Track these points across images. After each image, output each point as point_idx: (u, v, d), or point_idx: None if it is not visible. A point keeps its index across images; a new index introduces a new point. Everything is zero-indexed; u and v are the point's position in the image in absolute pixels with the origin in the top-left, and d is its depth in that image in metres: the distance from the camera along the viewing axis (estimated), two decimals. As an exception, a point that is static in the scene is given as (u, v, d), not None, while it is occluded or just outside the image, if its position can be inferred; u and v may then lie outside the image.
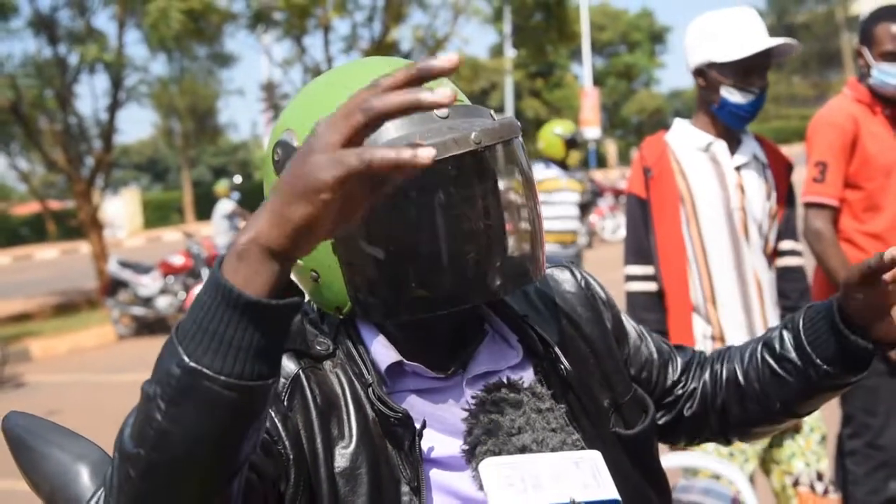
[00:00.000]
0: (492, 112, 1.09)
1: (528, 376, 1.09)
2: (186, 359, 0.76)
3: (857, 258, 2.87)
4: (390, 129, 1.00)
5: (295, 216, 0.75)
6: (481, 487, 0.86)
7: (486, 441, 0.90)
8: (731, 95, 2.43)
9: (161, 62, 34.14)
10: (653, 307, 2.53)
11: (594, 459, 0.89)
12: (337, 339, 1.08)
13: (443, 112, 1.01)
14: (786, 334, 1.22)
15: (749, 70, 2.40)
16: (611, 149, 36.31)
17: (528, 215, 1.06)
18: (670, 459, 2.22)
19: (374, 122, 0.74)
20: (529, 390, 0.94)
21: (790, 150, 4.02)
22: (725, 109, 2.46)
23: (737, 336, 2.49)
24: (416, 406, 1.06)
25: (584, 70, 31.50)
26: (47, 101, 12.90)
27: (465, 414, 1.04)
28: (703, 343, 2.50)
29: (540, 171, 5.97)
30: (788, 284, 2.60)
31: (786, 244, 2.61)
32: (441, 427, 1.06)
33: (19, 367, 9.18)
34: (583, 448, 0.90)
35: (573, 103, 36.87)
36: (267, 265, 0.77)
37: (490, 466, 0.86)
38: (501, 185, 1.05)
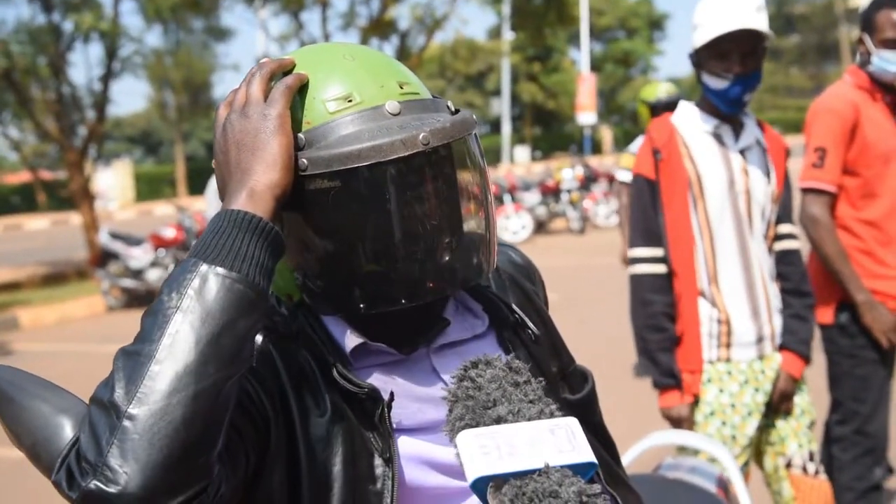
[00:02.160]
0: (448, 104, 1.09)
1: (495, 349, 1.13)
2: (203, 262, 0.90)
3: (853, 245, 2.88)
4: (340, 127, 1.01)
5: (279, 148, 0.97)
6: (460, 461, 0.86)
7: (463, 416, 0.90)
8: (710, 80, 2.46)
9: (156, 34, 33.95)
10: (660, 289, 2.51)
11: (570, 426, 0.89)
12: (297, 322, 1.09)
13: (394, 108, 1.02)
14: None
15: (723, 55, 2.41)
16: (606, 135, 36.26)
17: (481, 208, 1.08)
18: (657, 437, 2.22)
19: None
20: (506, 364, 0.94)
21: (787, 142, 4.02)
22: (710, 94, 2.48)
23: (741, 320, 2.49)
24: (383, 380, 1.07)
25: (581, 55, 31.41)
26: (40, 68, 12.79)
27: (434, 383, 1.07)
28: (709, 325, 2.49)
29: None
30: (788, 267, 2.60)
31: (784, 227, 2.62)
32: (409, 398, 1.07)
33: (7, 335, 9.16)
34: (560, 416, 0.90)
35: (570, 88, 36.80)
36: (272, 202, 0.96)
37: (467, 437, 0.87)
38: (452, 182, 1.05)
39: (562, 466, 0.84)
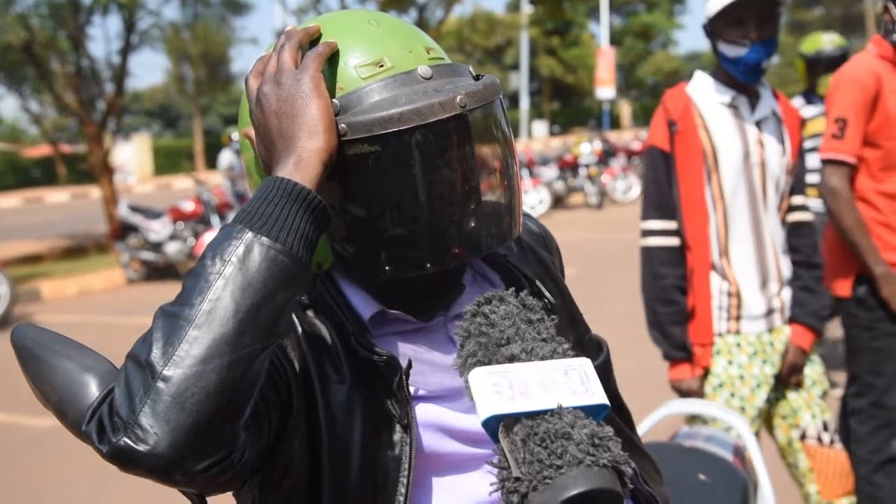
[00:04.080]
0: (470, 69, 1.10)
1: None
2: (248, 230, 0.90)
3: (872, 218, 2.85)
4: (374, 92, 1.01)
5: (318, 111, 0.96)
6: (472, 398, 0.86)
7: (476, 353, 0.90)
8: (726, 49, 2.43)
9: (174, 7, 33.88)
10: (673, 262, 2.51)
11: (583, 366, 0.89)
12: (316, 290, 1.09)
13: (426, 73, 1.03)
14: None
15: (739, 21, 2.38)
16: (625, 110, 35.99)
17: (508, 174, 1.08)
18: (673, 406, 2.23)
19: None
20: (520, 301, 0.94)
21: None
22: (727, 63, 2.45)
23: (751, 292, 2.49)
24: (401, 348, 1.08)
25: (601, 29, 31.11)
26: (60, 42, 12.82)
27: (451, 351, 1.06)
28: (720, 299, 2.49)
29: (801, 108, 4.68)
30: (800, 240, 2.60)
31: (797, 199, 2.61)
32: (427, 365, 1.08)
33: (29, 306, 9.27)
34: (574, 357, 0.90)
35: (589, 62, 36.46)
36: (320, 168, 0.96)
37: (479, 375, 0.87)
38: (483, 146, 1.06)
39: (574, 408, 0.84)
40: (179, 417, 0.83)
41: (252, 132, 1.04)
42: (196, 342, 0.85)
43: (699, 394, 2.50)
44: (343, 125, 0.98)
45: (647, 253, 2.55)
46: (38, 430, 5.13)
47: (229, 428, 0.88)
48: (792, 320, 2.56)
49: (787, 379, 2.56)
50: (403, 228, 1.03)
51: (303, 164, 0.95)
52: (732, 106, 2.50)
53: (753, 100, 2.52)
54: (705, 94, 2.52)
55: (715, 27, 2.45)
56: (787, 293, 2.55)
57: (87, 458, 0.91)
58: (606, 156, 15.33)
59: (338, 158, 0.99)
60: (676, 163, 2.49)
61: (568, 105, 44.80)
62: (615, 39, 38.47)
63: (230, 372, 0.85)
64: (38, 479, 4.53)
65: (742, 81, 2.47)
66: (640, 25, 44.79)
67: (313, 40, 1.05)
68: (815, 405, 2.59)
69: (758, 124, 2.51)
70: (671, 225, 2.51)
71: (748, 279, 2.49)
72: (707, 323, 2.49)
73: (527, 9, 26.90)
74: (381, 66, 1.02)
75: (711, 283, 2.49)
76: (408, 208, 1.02)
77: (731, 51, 2.42)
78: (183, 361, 0.84)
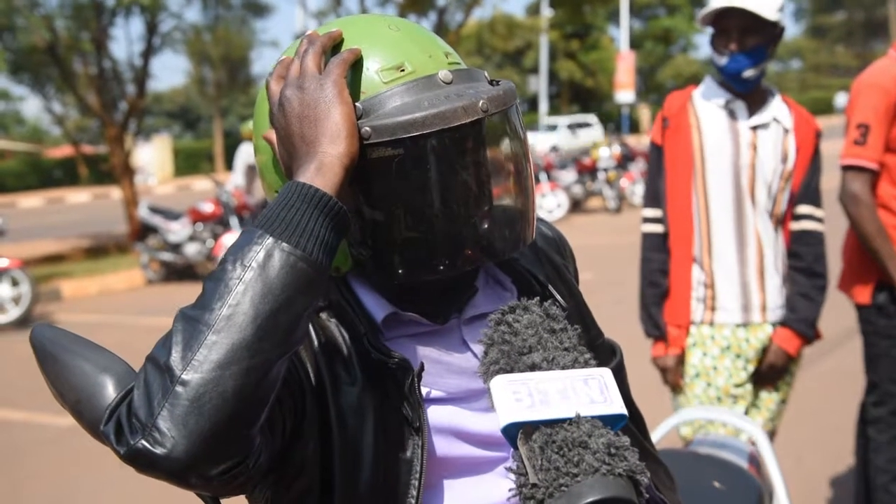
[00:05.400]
0: (485, 74, 1.11)
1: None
2: (269, 235, 0.90)
3: (893, 224, 2.83)
4: (396, 96, 1.02)
5: (341, 117, 0.96)
6: (493, 404, 0.87)
7: (498, 360, 0.91)
8: (714, 57, 2.59)
9: (195, 9, 34.07)
10: (659, 247, 2.72)
11: (603, 376, 0.90)
12: (329, 292, 1.09)
13: (447, 77, 1.04)
14: None
15: (724, 31, 2.54)
16: (644, 114, 35.86)
17: (524, 179, 1.09)
18: (687, 414, 2.22)
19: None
20: (544, 311, 0.94)
21: (828, 122, 3.93)
22: (717, 69, 2.61)
23: (727, 285, 2.62)
24: (413, 350, 1.08)
25: (621, 32, 31.04)
26: (83, 43, 12.93)
27: (464, 354, 1.08)
28: (698, 289, 2.64)
29: None
30: (804, 247, 2.66)
31: (803, 208, 2.67)
32: (441, 368, 1.08)
33: (50, 306, 9.36)
34: (594, 367, 0.91)
35: (608, 66, 36.37)
36: (341, 173, 0.96)
37: (500, 382, 0.88)
38: (502, 150, 1.07)
39: (592, 417, 0.85)
40: (197, 422, 0.84)
41: (272, 135, 1.04)
42: (215, 347, 0.85)
43: (673, 371, 2.67)
44: (367, 128, 0.99)
45: (643, 238, 2.77)
46: (57, 428, 5.18)
47: (245, 433, 0.88)
48: (782, 323, 2.65)
49: (764, 377, 2.66)
50: (422, 231, 1.03)
51: (324, 170, 0.95)
52: (729, 109, 2.62)
53: (754, 106, 2.63)
54: (705, 96, 2.68)
55: (711, 36, 2.61)
56: (771, 292, 2.63)
57: (104, 458, 0.92)
58: (625, 160, 15.28)
59: (359, 162, 0.99)
60: (665, 156, 2.69)
61: (587, 109, 44.69)
62: (635, 43, 38.37)
63: (248, 377, 0.86)
64: (56, 477, 4.57)
65: (735, 88, 2.60)
66: (660, 29, 44.64)
67: (335, 45, 1.06)
68: (769, 410, 2.70)
69: (755, 129, 2.61)
70: (659, 213, 2.72)
71: (726, 273, 2.61)
72: (685, 308, 2.66)
73: (547, 12, 26.87)
74: (403, 70, 1.03)
75: (692, 273, 2.65)
76: (428, 211, 1.03)
77: (716, 59, 2.58)
78: (202, 366, 0.85)
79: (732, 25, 2.51)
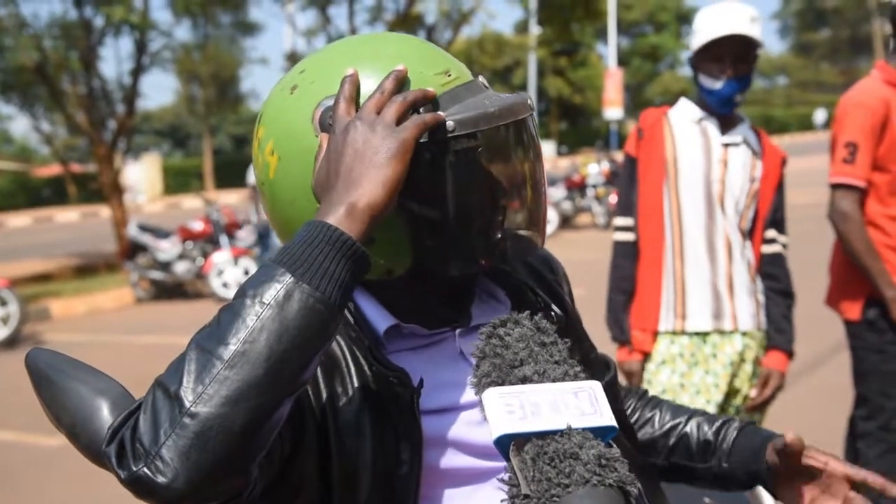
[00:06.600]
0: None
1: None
2: (290, 275, 0.89)
3: (882, 242, 2.86)
4: (457, 97, 1.06)
5: (394, 174, 0.96)
6: (485, 417, 0.89)
7: (490, 373, 0.93)
8: (705, 81, 2.64)
9: (185, 28, 34.18)
10: (629, 255, 2.80)
11: (593, 389, 0.92)
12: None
13: (483, 82, 1.12)
14: (710, 445, 1.33)
15: (718, 58, 2.60)
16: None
17: (543, 184, 1.15)
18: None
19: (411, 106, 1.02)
20: (534, 325, 0.96)
21: (815, 138, 3.98)
22: (704, 93, 2.67)
23: (698, 292, 2.68)
24: (412, 363, 1.08)
25: (608, 50, 31.24)
26: (72, 62, 12.94)
27: (460, 366, 1.10)
28: (667, 296, 2.70)
29: None
30: (778, 269, 2.78)
31: (773, 233, 2.77)
32: (436, 380, 1.09)
33: (38, 325, 9.31)
34: (584, 379, 0.92)
35: (597, 83, 36.58)
36: (368, 223, 0.94)
37: (492, 395, 0.89)
38: (530, 155, 1.13)
39: (583, 429, 0.87)
40: (200, 455, 0.84)
41: (325, 141, 1.02)
42: (226, 383, 0.85)
43: (638, 375, 2.74)
44: (451, 122, 1.02)
45: (613, 246, 2.85)
46: (47, 449, 5.14)
47: (247, 467, 0.89)
48: (774, 347, 2.73)
49: (764, 402, 2.73)
50: (490, 219, 1.09)
51: (355, 215, 0.94)
52: (702, 126, 2.71)
53: (727, 126, 2.72)
54: (680, 113, 2.77)
55: (697, 61, 2.66)
56: (741, 301, 2.69)
57: (95, 478, 0.91)
58: (614, 176, 15.34)
59: (434, 157, 1.02)
60: (639, 166, 2.77)
61: (576, 125, 44.92)
62: (623, 60, 38.63)
63: (255, 415, 0.86)
64: (47, 498, 4.54)
65: (718, 110, 2.68)
66: (648, 47, 45.00)
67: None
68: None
69: (726, 146, 2.70)
70: (631, 222, 2.80)
71: (698, 278, 2.68)
72: (654, 313, 2.72)
73: (535, 30, 27.04)
74: (450, 75, 1.08)
75: (663, 280, 2.72)
76: (499, 198, 1.09)
77: (708, 83, 2.64)
78: (211, 400, 0.85)
79: (727, 52, 2.57)
